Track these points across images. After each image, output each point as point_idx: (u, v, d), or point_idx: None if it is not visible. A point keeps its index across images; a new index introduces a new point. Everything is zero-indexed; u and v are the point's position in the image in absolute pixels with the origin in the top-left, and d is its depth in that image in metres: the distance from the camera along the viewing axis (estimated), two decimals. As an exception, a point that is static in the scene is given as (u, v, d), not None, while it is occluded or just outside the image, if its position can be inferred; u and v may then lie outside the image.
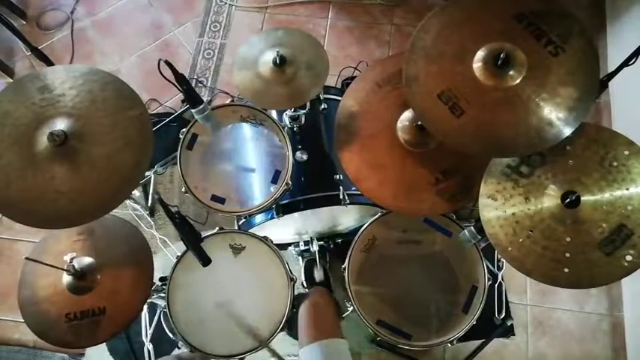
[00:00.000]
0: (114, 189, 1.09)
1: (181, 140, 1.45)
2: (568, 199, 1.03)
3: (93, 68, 1.17)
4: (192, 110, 1.28)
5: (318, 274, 1.76)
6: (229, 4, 2.66)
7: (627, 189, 1.03)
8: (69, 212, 1.07)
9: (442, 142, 1.22)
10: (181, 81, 1.17)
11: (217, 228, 1.45)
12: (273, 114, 1.56)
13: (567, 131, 1.01)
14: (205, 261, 1.17)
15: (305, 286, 1.78)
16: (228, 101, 2.36)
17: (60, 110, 1.12)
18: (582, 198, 1.03)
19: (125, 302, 1.26)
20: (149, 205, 2.14)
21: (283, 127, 1.48)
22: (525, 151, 1.06)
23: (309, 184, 1.53)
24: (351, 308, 1.40)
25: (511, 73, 1.04)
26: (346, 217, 1.78)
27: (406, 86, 1.10)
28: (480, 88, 1.05)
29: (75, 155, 1.09)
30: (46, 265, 1.19)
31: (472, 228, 1.28)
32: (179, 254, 1.39)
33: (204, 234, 1.33)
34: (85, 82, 1.15)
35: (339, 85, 2.32)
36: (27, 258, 1.23)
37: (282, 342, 1.83)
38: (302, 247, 1.88)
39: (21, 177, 1.07)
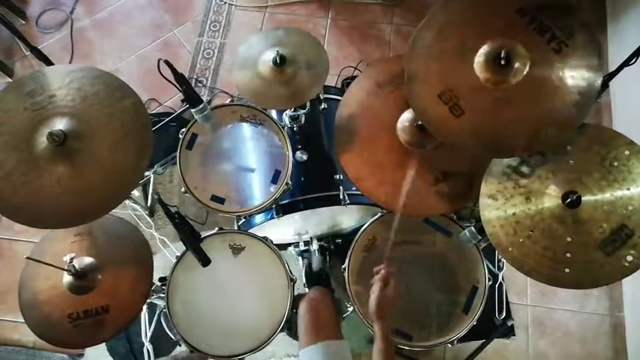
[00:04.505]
0: (120, 182, 1.10)
1: (181, 140, 1.45)
2: (569, 199, 1.03)
3: (78, 65, 1.17)
4: (192, 110, 1.28)
5: (318, 275, 1.76)
6: (229, 4, 2.66)
7: (628, 189, 1.02)
8: (77, 211, 1.08)
9: (442, 142, 1.22)
10: (181, 81, 1.17)
11: (217, 228, 1.44)
12: (273, 114, 1.56)
13: (568, 131, 1.00)
14: (205, 261, 1.17)
15: (305, 286, 1.78)
16: (227, 101, 2.35)
17: (54, 111, 1.12)
18: (583, 198, 1.02)
19: (127, 300, 1.27)
20: (148, 205, 2.14)
21: (283, 127, 1.48)
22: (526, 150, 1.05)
23: (309, 184, 1.53)
24: (351, 308, 1.39)
25: (512, 72, 1.03)
26: (346, 217, 1.77)
27: (407, 84, 1.10)
28: (481, 87, 1.05)
29: (77, 153, 1.09)
30: (48, 265, 1.19)
31: (472, 228, 1.28)
32: (179, 254, 1.39)
33: (203, 234, 1.32)
34: (73, 80, 1.15)
35: (339, 85, 2.32)
36: (28, 258, 1.22)
37: (282, 342, 1.83)
38: (302, 247, 1.87)
39: (27, 182, 1.07)
